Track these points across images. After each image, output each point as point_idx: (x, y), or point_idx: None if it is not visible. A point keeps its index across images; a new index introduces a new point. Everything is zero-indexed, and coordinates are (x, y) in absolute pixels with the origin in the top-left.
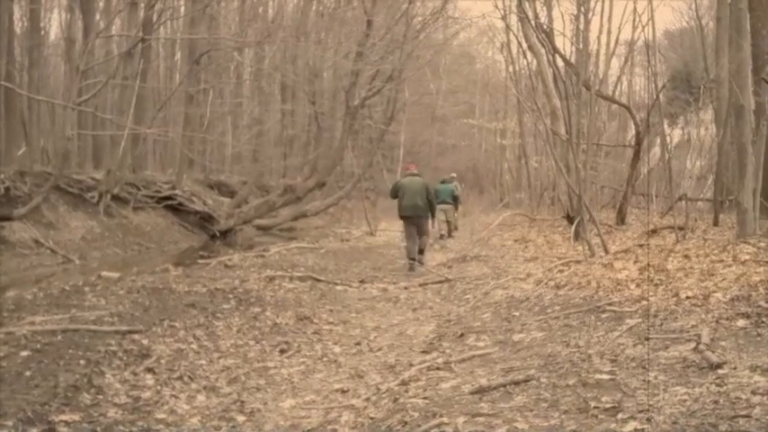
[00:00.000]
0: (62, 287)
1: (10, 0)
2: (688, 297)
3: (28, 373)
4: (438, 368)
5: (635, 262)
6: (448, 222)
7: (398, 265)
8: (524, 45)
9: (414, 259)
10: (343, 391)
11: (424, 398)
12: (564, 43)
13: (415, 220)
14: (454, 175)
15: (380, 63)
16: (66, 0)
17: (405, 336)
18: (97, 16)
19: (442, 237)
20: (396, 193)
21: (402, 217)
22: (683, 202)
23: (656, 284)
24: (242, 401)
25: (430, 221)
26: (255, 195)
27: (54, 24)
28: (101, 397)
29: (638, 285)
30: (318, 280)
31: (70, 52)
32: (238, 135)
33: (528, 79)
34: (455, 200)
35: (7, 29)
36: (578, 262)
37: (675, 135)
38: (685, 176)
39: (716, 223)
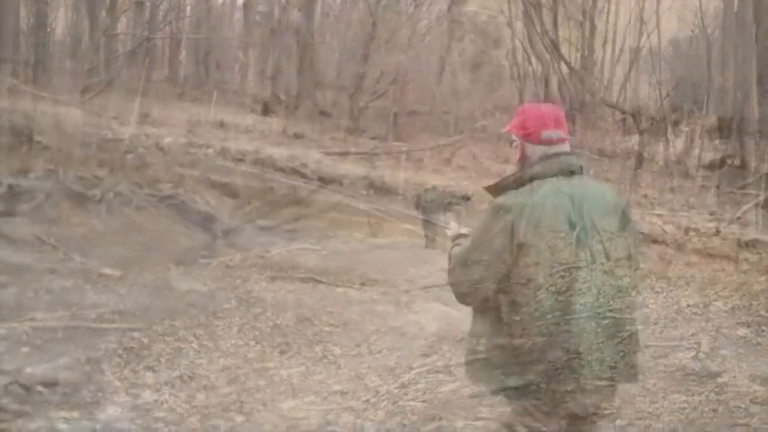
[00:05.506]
0: (63, 284)
1: None
2: (689, 305)
3: (29, 370)
4: (438, 371)
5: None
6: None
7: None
8: (530, 51)
9: (427, 237)
10: (343, 393)
11: (424, 401)
12: (569, 50)
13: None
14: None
15: (385, 66)
16: None
17: (405, 338)
18: (103, 14)
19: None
20: (418, 197)
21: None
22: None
23: (657, 292)
24: (241, 402)
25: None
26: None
27: (60, 22)
28: (100, 395)
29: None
30: (319, 281)
31: (76, 50)
32: None
33: (533, 85)
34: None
35: (13, 26)
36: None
37: (679, 143)
38: None
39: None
